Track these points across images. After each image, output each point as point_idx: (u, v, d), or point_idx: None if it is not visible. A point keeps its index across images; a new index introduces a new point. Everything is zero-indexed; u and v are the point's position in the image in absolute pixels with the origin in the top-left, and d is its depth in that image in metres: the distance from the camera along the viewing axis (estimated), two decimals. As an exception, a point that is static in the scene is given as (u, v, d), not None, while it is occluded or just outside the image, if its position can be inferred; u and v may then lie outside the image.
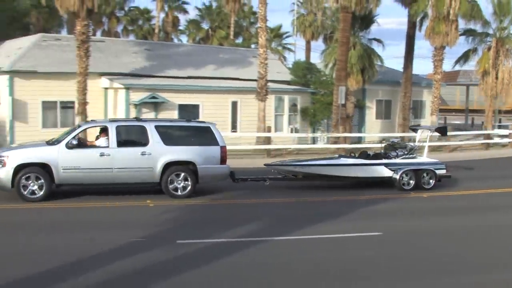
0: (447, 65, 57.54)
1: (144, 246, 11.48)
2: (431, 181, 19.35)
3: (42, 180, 15.85)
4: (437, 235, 13.29)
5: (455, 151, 33.53)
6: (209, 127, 17.58)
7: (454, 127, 41.51)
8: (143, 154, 16.61)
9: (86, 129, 17.59)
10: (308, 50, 63.82)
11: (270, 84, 32.15)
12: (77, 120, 28.65)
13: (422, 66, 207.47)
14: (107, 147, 16.55)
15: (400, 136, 31.79)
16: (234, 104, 33.51)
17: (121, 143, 16.65)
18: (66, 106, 30.47)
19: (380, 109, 41.90)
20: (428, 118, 40.02)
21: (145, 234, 12.42)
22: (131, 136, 17.16)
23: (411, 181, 19.15)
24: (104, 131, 17.10)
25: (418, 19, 37.46)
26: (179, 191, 16.85)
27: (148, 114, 30.47)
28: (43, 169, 15.94)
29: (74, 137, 16.41)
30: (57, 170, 15.95)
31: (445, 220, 15.08)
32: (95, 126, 17.92)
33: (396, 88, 40.56)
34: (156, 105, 30.94)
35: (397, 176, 18.95)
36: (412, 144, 21.21)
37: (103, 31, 65.52)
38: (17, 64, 30.33)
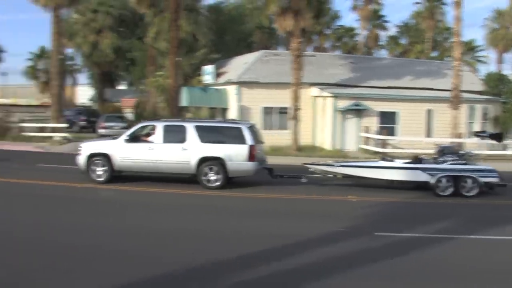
0: None
1: (345, 236, 11.32)
2: (474, 188, 16.69)
3: (106, 167, 17.13)
4: None
5: None
6: (240, 127, 17.17)
7: None
8: (182, 149, 16.94)
9: (141, 127, 17.94)
10: (500, 61, 59.76)
11: (463, 94, 30.38)
12: (289, 124, 29.46)
13: None
14: (155, 142, 17.18)
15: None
16: (429, 112, 32.19)
17: (166, 140, 17.11)
18: (281, 111, 31.37)
19: None
20: None
21: (346, 225, 12.27)
22: (174, 134, 17.31)
23: (449, 188, 16.71)
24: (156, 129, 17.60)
25: None
26: (211, 183, 16.81)
27: (351, 119, 30.38)
28: (106, 158, 17.14)
29: (130, 134, 17.49)
30: (116, 160, 17.14)
31: None
32: (148, 125, 18.27)
33: None
34: (358, 112, 30.68)
35: (432, 181, 16.70)
36: (467, 150, 18.58)
37: (314, 47, 66.67)
38: (243, 76, 31.92)
